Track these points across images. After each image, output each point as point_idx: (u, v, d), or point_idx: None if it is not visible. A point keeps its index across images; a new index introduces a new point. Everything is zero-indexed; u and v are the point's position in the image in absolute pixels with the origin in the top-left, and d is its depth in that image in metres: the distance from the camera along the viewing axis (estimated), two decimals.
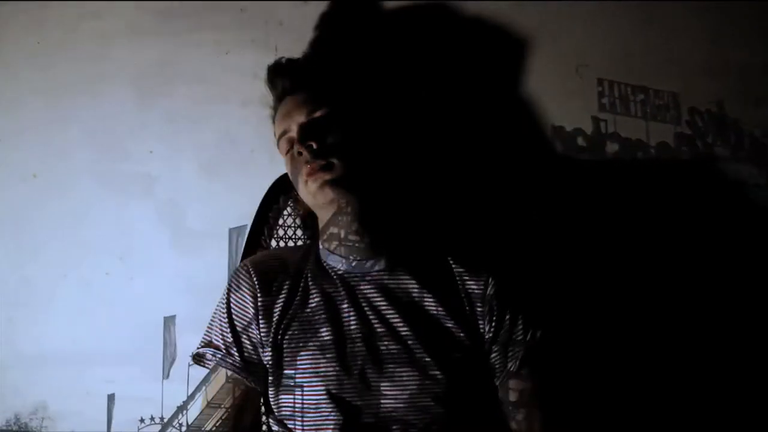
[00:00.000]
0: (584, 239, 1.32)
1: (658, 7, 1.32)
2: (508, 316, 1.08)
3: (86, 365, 1.45)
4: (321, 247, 1.14)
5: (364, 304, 1.08)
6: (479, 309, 1.08)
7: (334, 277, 1.10)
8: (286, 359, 1.07)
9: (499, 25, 1.34)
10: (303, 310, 1.09)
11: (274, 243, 1.29)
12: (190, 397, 1.24)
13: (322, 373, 1.04)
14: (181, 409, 1.27)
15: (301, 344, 1.07)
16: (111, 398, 1.42)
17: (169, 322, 1.40)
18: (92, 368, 1.45)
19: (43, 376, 1.46)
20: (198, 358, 1.12)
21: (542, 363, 1.09)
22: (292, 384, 1.06)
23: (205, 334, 1.13)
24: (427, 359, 1.04)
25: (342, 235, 1.10)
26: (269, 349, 1.08)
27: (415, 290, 1.09)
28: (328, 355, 1.05)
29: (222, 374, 1.11)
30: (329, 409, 1.02)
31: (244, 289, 1.11)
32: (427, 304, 1.08)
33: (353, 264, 1.10)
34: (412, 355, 1.04)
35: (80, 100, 1.45)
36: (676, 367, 1.31)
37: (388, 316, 1.06)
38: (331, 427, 1.02)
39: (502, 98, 1.35)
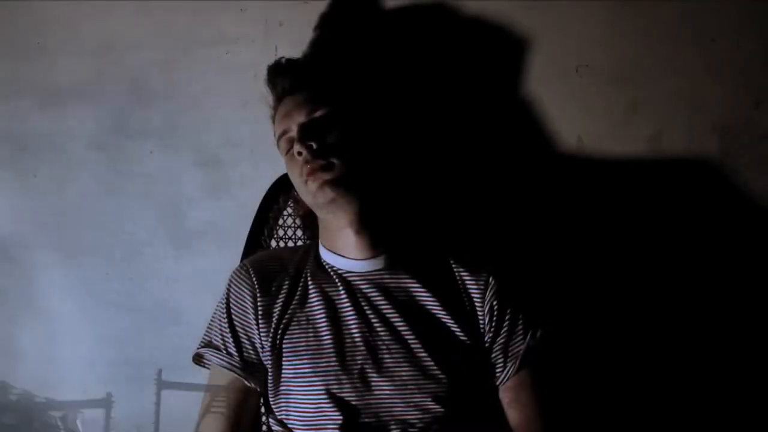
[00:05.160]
0: (584, 239, 1.32)
1: (658, 7, 1.32)
2: (508, 316, 1.08)
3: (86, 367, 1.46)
4: (321, 246, 1.14)
5: (364, 304, 1.08)
6: (479, 309, 1.09)
7: (334, 276, 1.10)
8: (286, 359, 1.07)
9: (499, 25, 1.34)
10: (302, 310, 1.09)
11: (274, 243, 1.29)
12: None
13: (321, 373, 1.04)
14: None
15: (300, 344, 1.07)
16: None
17: None
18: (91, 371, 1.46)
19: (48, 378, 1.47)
20: (198, 359, 1.12)
21: (542, 363, 1.09)
22: (292, 384, 1.06)
23: (204, 335, 1.13)
24: (427, 359, 1.04)
25: (342, 235, 1.10)
26: (269, 349, 1.08)
27: (415, 290, 1.09)
28: (327, 355, 1.05)
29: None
30: (329, 409, 1.02)
31: (243, 289, 1.11)
32: (427, 303, 1.08)
33: (353, 263, 1.10)
34: (412, 355, 1.04)
35: (80, 101, 1.46)
36: (677, 367, 1.31)
37: (387, 316, 1.06)
38: (331, 426, 1.02)
39: (502, 98, 1.35)
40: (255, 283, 1.11)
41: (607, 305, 1.31)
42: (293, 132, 1.08)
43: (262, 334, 1.09)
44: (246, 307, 1.10)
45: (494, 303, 1.08)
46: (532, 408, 1.07)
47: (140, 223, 1.45)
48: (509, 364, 1.07)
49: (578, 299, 1.31)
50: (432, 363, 1.03)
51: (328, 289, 1.10)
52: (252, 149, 1.39)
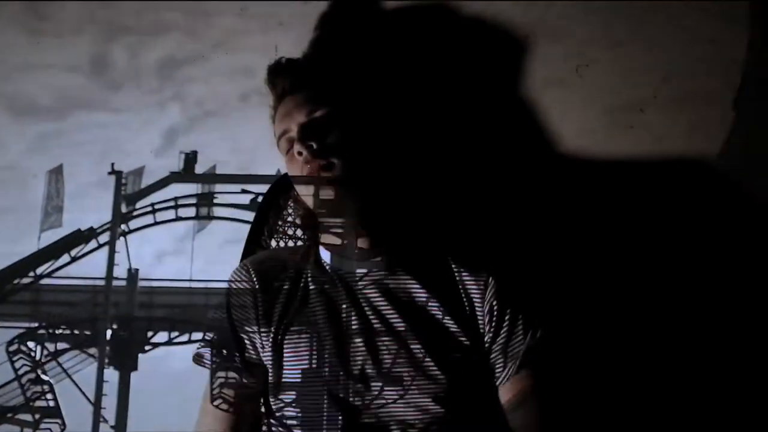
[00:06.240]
0: (584, 239, 1.32)
1: (658, 7, 1.32)
2: (507, 316, 1.08)
3: None
4: (321, 247, 1.14)
5: (364, 304, 1.07)
6: (479, 309, 1.08)
7: (334, 277, 1.10)
8: (286, 359, 1.07)
9: (499, 25, 1.34)
10: (303, 311, 1.09)
11: (274, 243, 1.29)
12: None
13: (322, 374, 1.04)
14: None
15: (301, 344, 1.07)
16: None
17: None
18: None
19: None
20: (198, 359, 1.12)
21: (542, 363, 1.09)
22: (292, 384, 1.06)
23: (204, 334, 1.13)
24: (427, 359, 1.04)
25: (342, 235, 1.10)
26: (269, 349, 1.08)
27: (415, 290, 1.08)
28: (328, 356, 1.05)
29: None
30: (329, 410, 1.02)
31: (243, 289, 1.11)
32: (427, 304, 1.08)
33: (353, 264, 1.10)
34: (412, 356, 1.04)
35: (80, 101, 1.45)
36: (677, 367, 1.31)
37: (387, 316, 1.06)
38: (331, 427, 1.02)
39: (503, 98, 1.35)
40: (255, 283, 1.11)
41: (607, 305, 1.31)
42: (293, 132, 1.08)
43: (262, 334, 1.09)
44: (246, 307, 1.10)
45: (494, 303, 1.08)
46: (532, 408, 1.07)
47: None
48: (509, 365, 1.07)
49: (578, 299, 1.31)
50: (432, 363, 1.03)
51: (328, 290, 1.09)
52: (252, 148, 1.39)
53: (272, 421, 1.09)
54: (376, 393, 1.03)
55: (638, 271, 1.31)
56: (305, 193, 1.09)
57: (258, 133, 1.37)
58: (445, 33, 1.34)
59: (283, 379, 1.07)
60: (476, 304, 1.09)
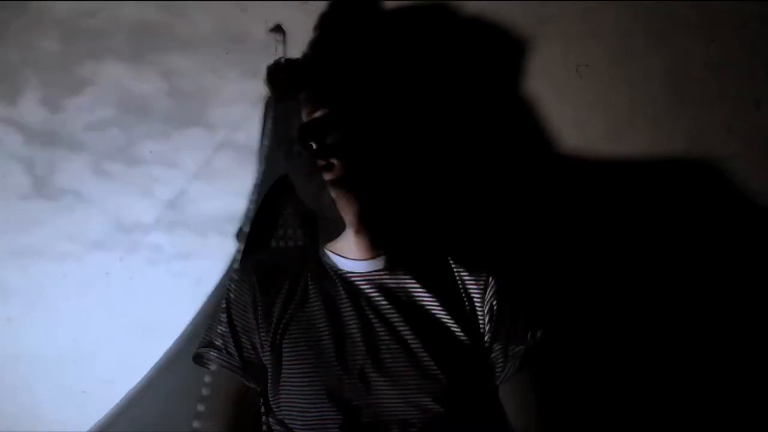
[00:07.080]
0: (584, 239, 1.32)
1: (658, 7, 1.32)
2: (508, 316, 1.08)
3: (86, 366, 1.45)
4: (321, 247, 1.14)
5: (364, 304, 1.08)
6: (479, 309, 1.09)
7: (334, 277, 1.10)
8: (286, 359, 1.07)
9: (499, 25, 1.34)
10: (303, 310, 1.09)
11: (273, 243, 1.29)
12: None
13: (321, 373, 1.04)
14: None
15: (300, 344, 1.07)
16: None
17: None
18: (92, 369, 1.45)
19: (42, 376, 1.46)
20: (197, 359, 1.12)
21: (542, 363, 1.09)
22: (292, 384, 1.06)
23: (204, 334, 1.13)
24: (427, 359, 1.04)
25: (342, 235, 1.10)
26: (269, 349, 1.08)
27: (415, 290, 1.09)
28: (328, 355, 1.05)
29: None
30: (329, 409, 1.02)
31: (243, 289, 1.11)
32: (427, 304, 1.08)
33: (353, 264, 1.10)
34: (412, 355, 1.04)
35: (80, 100, 1.45)
36: (676, 366, 1.31)
37: (388, 316, 1.06)
38: (331, 426, 1.02)
39: (502, 98, 1.35)
40: (255, 282, 1.11)
41: (607, 305, 1.31)
42: (293, 132, 1.08)
43: (262, 334, 1.09)
44: (246, 307, 1.10)
45: (494, 303, 1.08)
46: (532, 408, 1.07)
47: None
48: (509, 364, 1.07)
49: (578, 299, 1.31)
50: (432, 363, 1.03)
51: (328, 289, 1.10)
52: (252, 149, 1.39)
53: (272, 420, 1.09)
54: (376, 392, 1.03)
55: (638, 271, 1.31)
56: (305, 193, 1.09)
57: None
58: (445, 33, 1.35)
59: (283, 379, 1.07)
60: (476, 304, 1.09)
